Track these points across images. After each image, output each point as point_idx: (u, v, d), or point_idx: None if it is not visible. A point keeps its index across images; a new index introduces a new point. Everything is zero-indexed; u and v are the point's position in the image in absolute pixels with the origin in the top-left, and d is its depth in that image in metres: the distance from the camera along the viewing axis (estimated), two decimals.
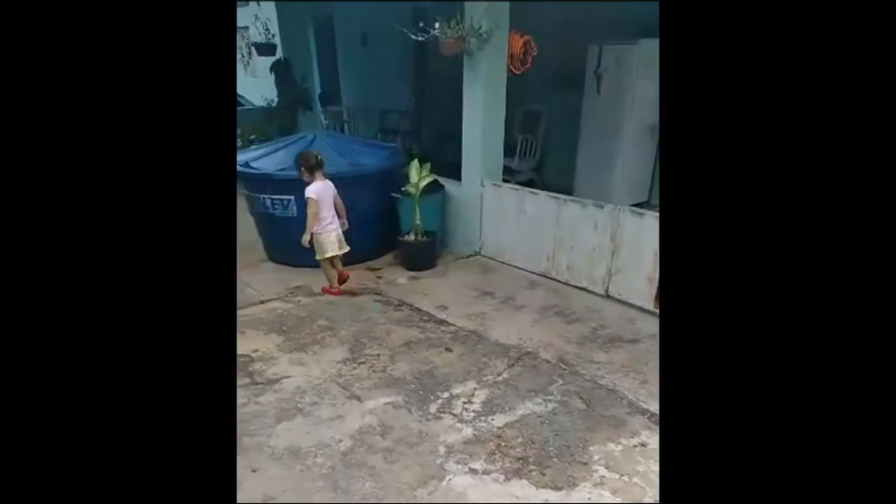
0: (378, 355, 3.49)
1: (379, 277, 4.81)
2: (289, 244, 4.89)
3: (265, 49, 8.17)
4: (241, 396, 3.02)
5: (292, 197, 4.61)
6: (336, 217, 4.15)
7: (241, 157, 4.93)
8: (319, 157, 4.10)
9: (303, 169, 4.05)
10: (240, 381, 3.16)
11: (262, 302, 4.12)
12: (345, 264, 4.91)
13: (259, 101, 11.29)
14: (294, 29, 8.44)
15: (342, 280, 4.33)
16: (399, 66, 8.50)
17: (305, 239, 4.05)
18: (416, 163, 4.73)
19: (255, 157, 4.75)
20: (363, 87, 9.12)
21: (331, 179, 4.60)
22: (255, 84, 11.49)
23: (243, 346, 3.52)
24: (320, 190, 4.02)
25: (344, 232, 4.27)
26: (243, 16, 9.65)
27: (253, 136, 7.02)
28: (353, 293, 4.42)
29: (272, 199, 4.66)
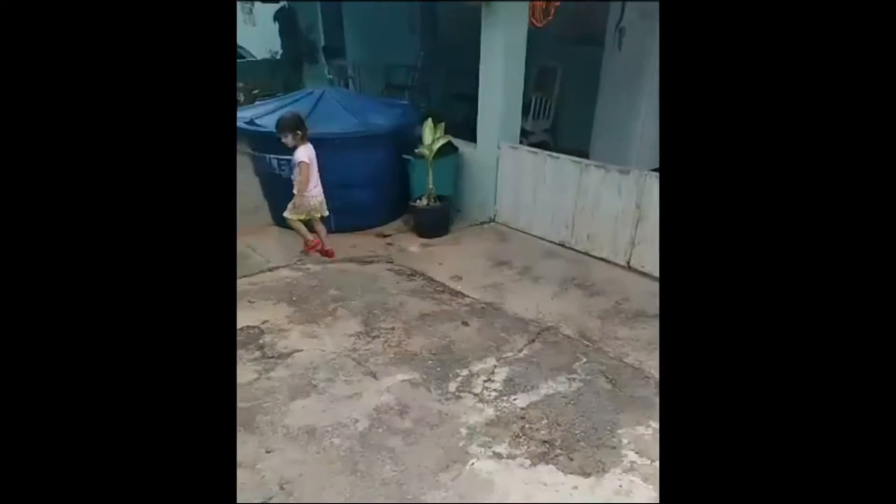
0: (392, 329, 3.34)
1: (390, 244, 4.62)
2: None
3: None
4: (252, 371, 2.89)
5: None
6: (319, 182, 4.08)
7: (245, 114, 4.66)
8: (304, 120, 4.00)
9: (292, 133, 3.92)
10: (250, 355, 3.02)
11: (270, 269, 3.95)
12: (354, 230, 4.74)
13: (262, 54, 10.86)
14: None
15: (325, 252, 4.24)
16: (408, 18, 8.09)
17: (296, 203, 4.00)
18: (429, 122, 4.47)
19: (260, 115, 4.48)
20: (369, 39, 8.69)
21: (340, 139, 4.37)
22: (257, 34, 11.01)
23: (252, 316, 3.37)
24: (311, 154, 3.95)
25: (352, 196, 4.09)
26: None
27: (256, 91, 6.69)
28: (363, 261, 4.25)
29: (279, 160, 4.43)
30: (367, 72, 8.81)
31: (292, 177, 4.12)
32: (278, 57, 7.11)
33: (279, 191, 4.67)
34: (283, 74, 6.69)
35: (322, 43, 7.64)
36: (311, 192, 4.05)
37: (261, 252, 4.40)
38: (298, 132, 3.93)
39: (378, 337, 3.25)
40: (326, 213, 4.18)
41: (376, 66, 8.60)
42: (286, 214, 4.14)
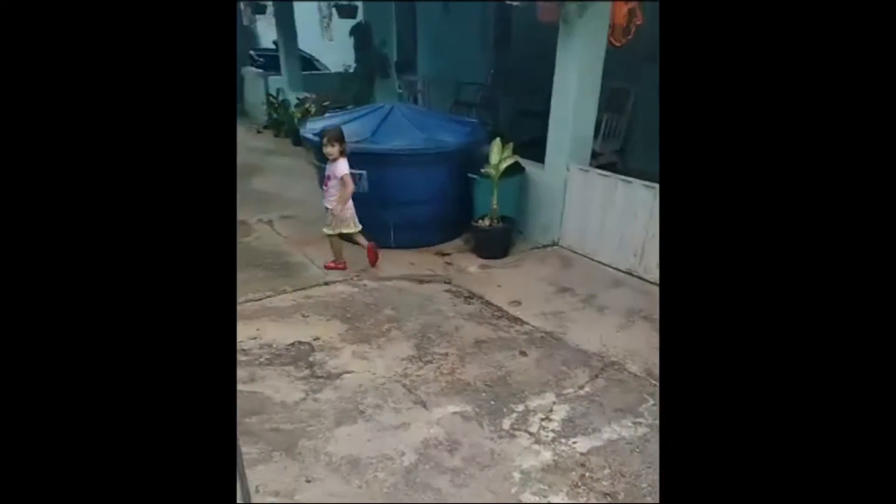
0: (446, 354, 3.19)
1: (449, 264, 4.49)
2: (360, 223, 4.66)
3: (346, 11, 7.87)
4: (300, 391, 2.81)
5: (364, 172, 4.33)
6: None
7: (315, 126, 4.69)
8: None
9: (335, 144, 3.95)
10: (299, 373, 2.94)
11: (326, 283, 3.89)
12: (414, 247, 4.65)
13: (335, 67, 11.12)
14: None
15: (372, 261, 4.26)
16: (480, 36, 8.03)
17: (338, 210, 4.07)
18: (497, 142, 4.33)
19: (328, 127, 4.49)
20: (441, 56, 8.69)
21: (406, 155, 4.30)
22: (331, 48, 11.28)
23: (304, 331, 3.31)
24: (348, 170, 3.99)
25: (414, 213, 4.03)
26: None
27: (326, 103, 6.77)
28: (421, 280, 4.13)
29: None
30: (437, 88, 8.82)
31: (324, 189, 4.11)
32: (351, 70, 7.19)
33: None
34: (355, 88, 6.74)
35: (394, 58, 7.70)
36: (349, 205, 4.09)
37: (318, 264, 4.37)
38: (336, 144, 3.97)
39: (431, 363, 3.11)
40: (359, 228, 4.20)
41: (446, 83, 8.59)
42: (325, 231, 4.19)
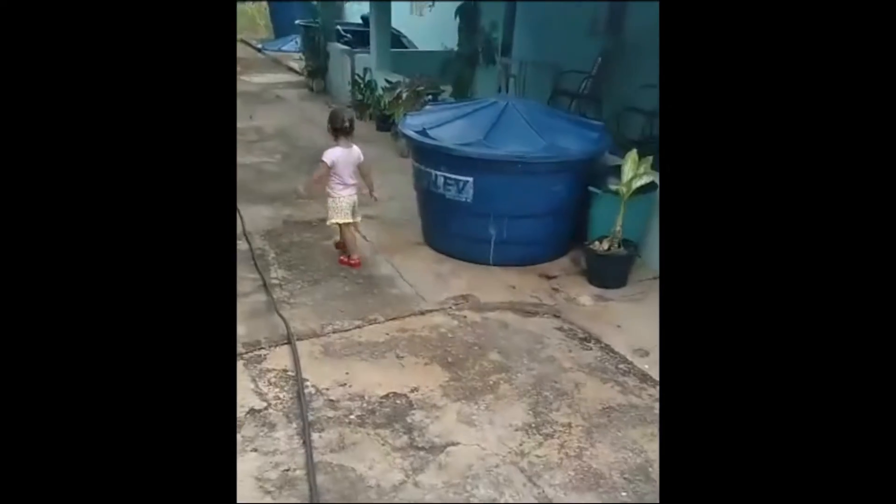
0: (569, 426, 2.57)
1: (556, 290, 3.85)
2: (456, 233, 4.09)
3: None
4: (398, 469, 2.27)
5: (471, 179, 3.74)
6: (351, 185, 3.86)
7: (415, 121, 4.11)
8: (350, 121, 3.83)
9: (330, 128, 3.83)
10: (397, 439, 2.41)
11: (421, 313, 3.34)
12: (515, 265, 4.04)
13: (423, 46, 10.49)
14: None
15: (351, 264, 3.99)
16: (589, 19, 7.20)
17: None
18: (633, 155, 3.61)
19: (433, 124, 3.90)
20: (541, 39, 7.90)
21: (523, 164, 3.66)
22: (424, 26, 10.67)
23: (400, 379, 2.77)
24: (338, 157, 3.76)
25: (521, 228, 3.46)
26: None
27: (420, 88, 6.16)
28: (526, 311, 3.52)
29: (445, 178, 3.83)
30: (534, 74, 8.06)
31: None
32: (453, 54, 6.56)
33: (439, 211, 4.09)
34: (456, 71, 6.11)
35: (500, 42, 6.98)
36: (340, 194, 3.84)
37: (409, 278, 3.84)
38: (330, 128, 3.82)
39: (552, 437, 2.50)
40: (359, 219, 4.01)
41: (544, 69, 7.81)
42: (329, 222, 4.01)
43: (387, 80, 7.32)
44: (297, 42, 11.77)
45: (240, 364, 2.74)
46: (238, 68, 12.42)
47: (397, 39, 10.10)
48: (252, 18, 16.63)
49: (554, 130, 3.84)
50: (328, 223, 4.01)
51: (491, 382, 2.80)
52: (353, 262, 3.99)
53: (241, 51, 15.09)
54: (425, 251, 4.31)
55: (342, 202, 3.85)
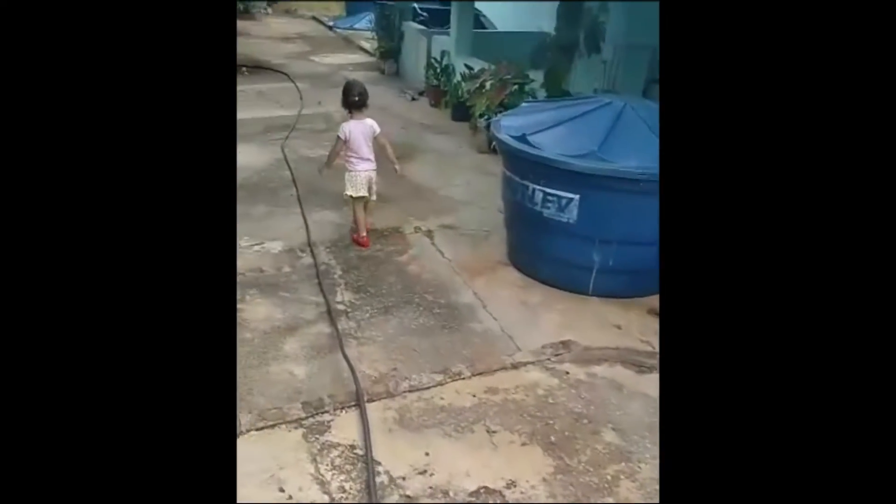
0: None
1: None
2: (550, 257, 3.46)
3: None
4: None
5: (577, 197, 3.09)
6: (367, 159, 3.83)
7: (514, 122, 3.46)
8: (361, 94, 3.80)
9: (343, 101, 3.86)
10: None
11: (513, 366, 2.73)
12: (618, 296, 3.38)
13: (503, 26, 9.71)
14: None
15: (359, 242, 3.94)
16: None
17: (321, 169, 4.10)
18: None
19: (534, 128, 3.24)
20: (639, 16, 6.97)
21: (645, 181, 2.97)
22: (505, 5, 9.85)
23: (493, 465, 2.18)
24: (352, 130, 3.77)
25: (630, 255, 3.10)
26: None
27: (508, 76, 5.46)
28: (640, 365, 2.86)
29: (545, 193, 3.18)
30: (628, 59, 7.16)
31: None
32: (547, 39, 5.82)
33: (532, 230, 3.45)
34: (551, 60, 5.39)
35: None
36: (355, 168, 3.81)
37: (494, 310, 3.25)
38: (345, 102, 3.84)
39: None
40: (373, 197, 3.95)
41: (641, 52, 6.90)
42: (344, 194, 3.96)
43: (466, 66, 6.67)
44: (370, 20, 11.25)
45: (299, 434, 2.24)
46: (307, 48, 12.12)
47: (476, 19, 9.39)
48: None
49: None
50: (344, 195, 3.97)
51: (609, 477, 2.18)
52: (361, 240, 3.94)
53: (312, 29, 14.80)
54: (511, 274, 3.69)
55: (359, 177, 3.82)
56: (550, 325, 3.17)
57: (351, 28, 13.43)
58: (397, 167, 4.01)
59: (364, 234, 3.94)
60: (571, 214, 3.15)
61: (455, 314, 3.25)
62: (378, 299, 3.37)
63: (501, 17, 9.92)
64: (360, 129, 3.77)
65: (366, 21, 12.45)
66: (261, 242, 3.91)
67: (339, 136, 3.81)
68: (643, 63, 6.89)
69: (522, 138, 3.15)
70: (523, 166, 3.24)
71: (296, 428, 2.27)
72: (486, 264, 3.81)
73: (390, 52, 9.36)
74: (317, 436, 2.23)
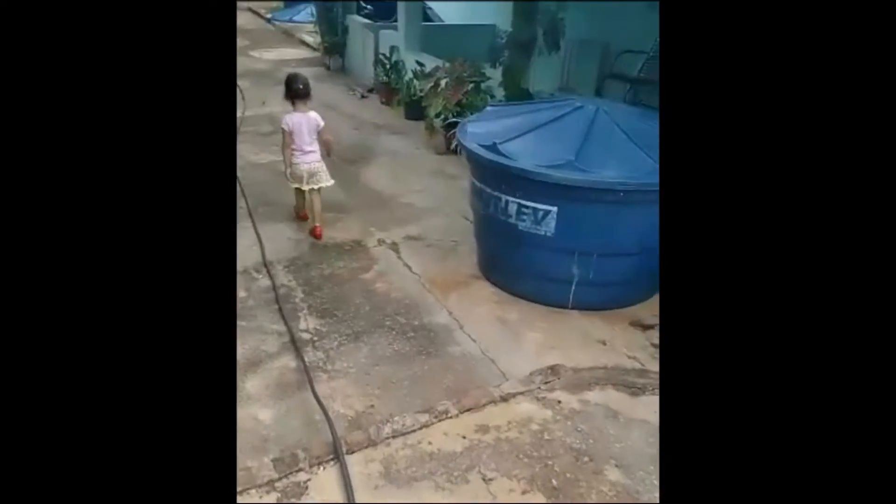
0: None
1: (655, 346, 3.05)
2: (526, 271, 3.29)
3: None
4: None
5: (554, 209, 2.91)
6: (309, 151, 3.85)
7: (480, 129, 3.25)
8: (305, 85, 3.85)
9: (286, 93, 3.88)
10: None
11: (503, 398, 2.54)
12: (600, 308, 3.25)
13: (450, 19, 9.44)
14: None
15: (313, 233, 3.98)
16: None
17: (286, 172, 4.03)
18: None
19: (504, 135, 3.04)
20: (593, 14, 6.90)
21: (628, 191, 2.82)
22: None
23: None
24: (295, 122, 3.79)
25: (610, 267, 2.97)
26: None
27: (465, 74, 5.22)
28: (632, 387, 2.72)
29: (520, 206, 2.99)
30: (581, 54, 7.08)
31: None
32: (504, 37, 5.58)
33: (506, 244, 3.27)
34: (508, 57, 5.17)
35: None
36: (299, 160, 3.84)
37: (472, 330, 3.06)
38: (288, 94, 3.87)
39: None
40: (324, 184, 3.93)
41: (594, 48, 6.83)
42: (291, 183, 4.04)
43: (418, 63, 6.41)
44: (311, 12, 10.75)
45: (272, 499, 1.96)
46: (245, 42, 11.45)
47: (423, 13, 9.11)
48: None
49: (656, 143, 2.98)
50: (291, 184, 4.04)
51: None
52: (315, 232, 3.95)
53: (249, 21, 14.06)
54: (485, 289, 3.50)
55: (298, 169, 3.85)
56: (533, 346, 3.00)
57: (290, 21, 12.85)
58: (329, 152, 4.06)
59: (317, 223, 3.96)
60: (549, 227, 2.98)
61: (431, 337, 3.03)
62: (346, 324, 3.11)
63: (445, 11, 9.66)
64: (304, 121, 3.78)
65: (306, 13, 11.92)
66: None
67: (283, 128, 3.83)
68: (595, 58, 6.87)
69: (493, 147, 2.94)
70: (495, 177, 3.04)
71: (268, 492, 1.99)
72: (457, 278, 3.60)
73: (335, 47, 8.95)
74: (293, 500, 1.96)
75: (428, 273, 3.63)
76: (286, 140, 3.85)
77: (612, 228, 2.98)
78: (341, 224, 4.20)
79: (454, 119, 5.26)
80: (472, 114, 5.25)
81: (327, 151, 4.00)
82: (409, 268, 3.70)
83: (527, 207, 2.98)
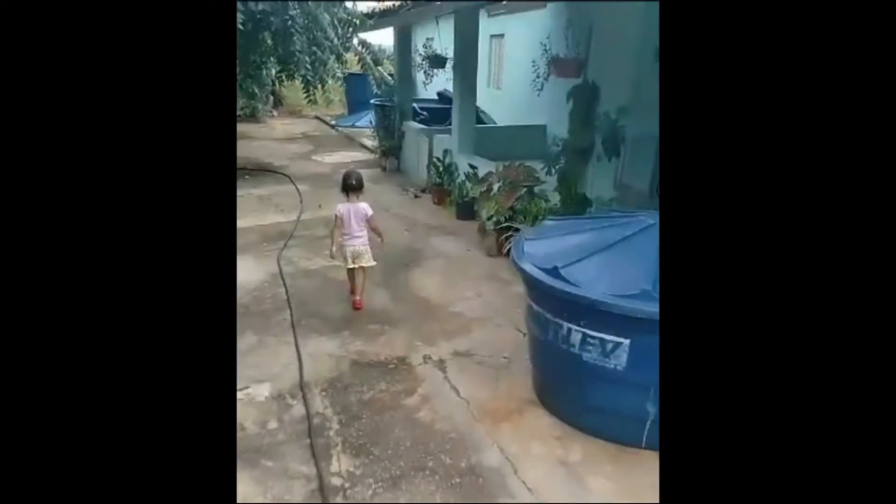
0: None
1: None
2: (593, 405, 2.87)
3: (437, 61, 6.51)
4: None
5: (627, 341, 2.54)
6: (356, 237, 4.26)
7: (539, 249, 2.97)
8: (357, 180, 4.29)
9: (341, 186, 4.32)
10: None
11: None
12: None
13: (502, 121, 9.59)
14: (605, 41, 6.01)
15: (354, 306, 4.37)
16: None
17: (331, 250, 4.34)
18: None
19: (566, 257, 2.74)
20: (652, 108, 6.73)
21: None
22: (501, 97, 9.79)
23: None
24: (346, 210, 4.23)
25: None
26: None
27: (521, 179, 5.06)
28: None
29: (585, 335, 2.63)
30: (637, 153, 6.86)
31: None
32: (561, 145, 5.47)
33: (569, 374, 2.86)
34: (564, 166, 5.03)
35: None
36: (346, 243, 4.24)
37: (527, 476, 2.62)
38: (343, 187, 4.31)
39: None
40: (366, 264, 4.30)
41: (647, 144, 6.61)
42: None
43: (470, 165, 6.37)
44: (370, 119, 11.25)
45: None
46: (310, 147, 12.05)
47: (476, 116, 9.31)
48: (327, 96, 16.71)
49: None
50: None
51: None
52: (356, 304, 4.34)
53: (315, 128, 14.93)
54: (542, 419, 3.07)
55: (344, 250, 4.27)
56: (601, 496, 2.52)
57: (353, 126, 13.52)
58: (382, 242, 4.43)
59: (358, 297, 4.35)
60: (620, 360, 2.59)
61: (480, 485, 2.61)
62: (383, 464, 2.74)
63: (497, 113, 9.83)
64: (353, 210, 4.23)
65: (367, 119, 12.50)
66: (245, 387, 3.31)
67: (336, 215, 4.27)
68: (650, 155, 6.62)
69: (554, 271, 2.64)
70: (556, 304, 2.71)
71: None
72: (510, 405, 3.20)
73: (391, 150, 9.20)
74: None
75: (477, 398, 3.25)
76: (336, 223, 4.26)
77: None
78: (385, 338, 3.93)
79: (507, 223, 5.06)
80: (525, 218, 5.06)
81: (379, 238, 4.37)
82: (457, 391, 3.34)
83: (593, 338, 2.61)
